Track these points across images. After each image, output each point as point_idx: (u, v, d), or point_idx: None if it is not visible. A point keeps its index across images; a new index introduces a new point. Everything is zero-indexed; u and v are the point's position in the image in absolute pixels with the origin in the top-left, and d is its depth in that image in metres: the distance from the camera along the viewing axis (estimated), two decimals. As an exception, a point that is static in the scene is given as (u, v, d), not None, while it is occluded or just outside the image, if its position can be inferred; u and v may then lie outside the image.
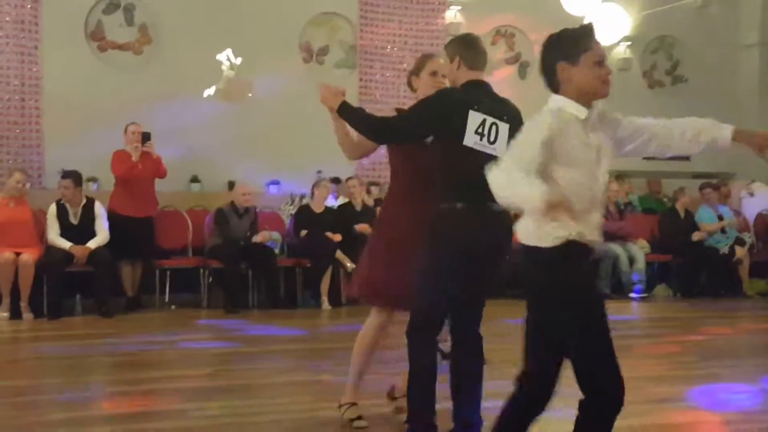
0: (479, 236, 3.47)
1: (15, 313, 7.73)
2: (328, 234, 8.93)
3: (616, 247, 9.86)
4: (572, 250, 2.71)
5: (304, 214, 9.08)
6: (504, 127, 3.52)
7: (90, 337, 6.86)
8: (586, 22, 9.75)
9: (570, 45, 2.79)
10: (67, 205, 8.14)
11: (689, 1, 11.66)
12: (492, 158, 3.20)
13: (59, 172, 8.60)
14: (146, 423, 4.15)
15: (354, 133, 3.83)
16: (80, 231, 8.07)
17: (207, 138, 9.74)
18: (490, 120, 3.50)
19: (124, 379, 5.18)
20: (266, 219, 9.32)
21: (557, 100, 2.81)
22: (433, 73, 3.89)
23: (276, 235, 9.21)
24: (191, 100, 9.43)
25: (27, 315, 7.74)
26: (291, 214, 9.50)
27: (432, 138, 3.61)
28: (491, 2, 11.25)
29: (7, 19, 9.30)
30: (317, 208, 9.10)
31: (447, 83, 3.81)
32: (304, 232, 8.88)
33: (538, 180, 2.63)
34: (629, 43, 11.96)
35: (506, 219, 3.47)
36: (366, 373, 4.07)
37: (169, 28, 9.91)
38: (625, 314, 8.62)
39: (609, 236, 9.93)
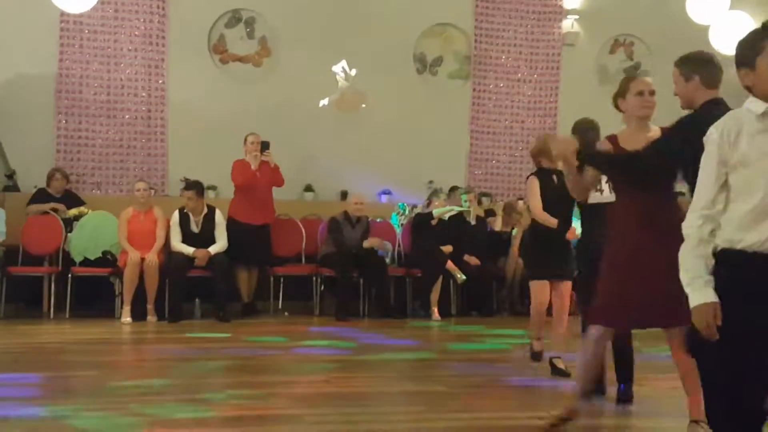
0: None
1: (138, 316, 8.05)
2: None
3: None
4: (726, 259, 2.48)
5: (423, 224, 9.07)
6: None
7: (209, 341, 7.09)
8: (711, 29, 9.37)
9: (747, 48, 2.56)
10: (190, 214, 8.43)
11: (822, 5, 11.06)
12: None
13: (182, 181, 8.92)
14: (265, 426, 4.24)
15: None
16: (201, 239, 8.35)
17: (321, 148, 9.93)
18: None
19: (241, 382, 5.31)
20: (378, 228, 9.39)
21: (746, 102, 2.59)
22: (640, 93, 3.89)
23: (387, 244, 9.27)
24: (307, 111, 9.68)
25: (151, 318, 8.06)
26: (402, 224, 9.55)
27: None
28: (609, 10, 11.00)
29: (136, 33, 9.74)
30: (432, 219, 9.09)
31: (654, 103, 3.87)
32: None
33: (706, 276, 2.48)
34: (756, 50, 11.45)
35: None
36: None
37: (287, 40, 10.16)
38: None
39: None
